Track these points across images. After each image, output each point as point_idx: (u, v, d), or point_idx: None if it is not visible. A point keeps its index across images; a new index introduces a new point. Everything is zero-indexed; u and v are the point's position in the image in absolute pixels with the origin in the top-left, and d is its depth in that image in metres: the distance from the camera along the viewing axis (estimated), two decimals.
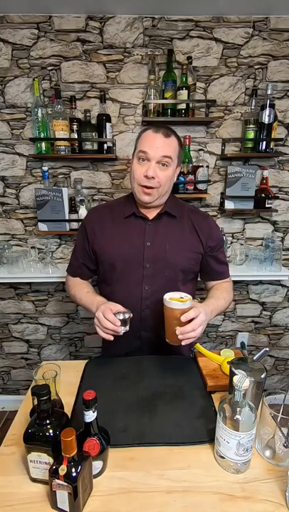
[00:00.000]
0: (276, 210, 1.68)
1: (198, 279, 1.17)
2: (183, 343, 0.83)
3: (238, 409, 0.63)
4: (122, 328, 0.87)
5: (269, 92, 1.47)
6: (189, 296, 0.87)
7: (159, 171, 0.93)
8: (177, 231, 1.04)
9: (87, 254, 1.08)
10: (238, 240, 1.82)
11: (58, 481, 0.54)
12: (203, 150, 1.63)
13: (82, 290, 1.08)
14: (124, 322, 0.87)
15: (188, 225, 1.05)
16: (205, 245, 1.05)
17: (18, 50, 1.51)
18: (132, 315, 0.89)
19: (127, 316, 0.88)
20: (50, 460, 0.60)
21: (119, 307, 0.90)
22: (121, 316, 0.87)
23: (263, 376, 0.75)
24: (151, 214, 1.04)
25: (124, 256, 1.00)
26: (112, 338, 0.88)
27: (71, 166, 1.67)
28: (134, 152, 0.99)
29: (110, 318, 0.85)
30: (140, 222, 1.03)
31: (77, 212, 1.61)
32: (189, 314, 0.81)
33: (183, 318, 0.81)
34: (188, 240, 1.04)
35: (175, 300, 0.85)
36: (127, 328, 0.89)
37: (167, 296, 0.86)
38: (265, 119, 1.49)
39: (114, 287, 1.04)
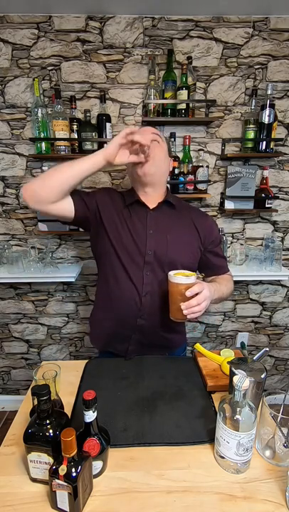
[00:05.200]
0: (276, 210, 1.68)
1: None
2: (188, 317, 0.85)
3: (238, 409, 0.63)
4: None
5: (269, 92, 1.47)
6: (193, 272, 0.88)
7: (153, 147, 0.99)
8: (177, 224, 1.06)
9: (86, 204, 1.02)
10: (238, 239, 1.82)
11: (58, 481, 0.54)
12: (203, 150, 1.63)
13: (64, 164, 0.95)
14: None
15: (188, 221, 1.08)
16: (204, 241, 1.08)
17: (18, 50, 1.51)
18: None
19: None
20: (50, 460, 0.60)
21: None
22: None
23: (263, 376, 0.75)
24: (152, 203, 1.06)
25: (129, 241, 1.01)
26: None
27: None
28: None
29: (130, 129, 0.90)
30: (142, 209, 1.05)
31: None
32: (194, 289, 0.83)
33: (188, 293, 0.83)
34: (188, 235, 1.07)
35: (180, 275, 0.86)
36: None
37: (172, 272, 0.88)
38: (265, 119, 1.50)
39: (117, 271, 1.03)
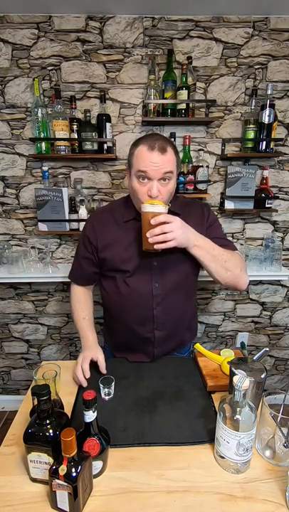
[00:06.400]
0: (276, 210, 1.68)
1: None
2: (155, 247, 0.84)
3: (238, 409, 0.63)
4: (106, 397, 0.85)
5: (269, 92, 1.47)
6: (161, 202, 0.86)
7: (162, 187, 0.90)
8: None
9: (93, 262, 1.07)
10: (238, 240, 1.82)
11: (58, 481, 0.54)
12: (203, 150, 1.63)
13: (80, 313, 1.11)
14: (108, 391, 0.86)
15: (188, 218, 1.04)
16: (206, 228, 1.04)
17: (18, 50, 1.51)
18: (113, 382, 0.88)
19: (111, 389, 0.86)
20: (50, 460, 0.60)
21: (100, 359, 0.93)
22: (106, 389, 0.85)
23: (263, 376, 0.75)
24: None
25: (133, 257, 1.00)
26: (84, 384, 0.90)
27: (71, 166, 1.67)
28: (131, 170, 0.94)
29: (84, 368, 0.89)
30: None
31: (77, 212, 1.61)
32: (160, 218, 0.82)
33: (152, 221, 0.82)
34: None
35: (148, 203, 0.84)
36: (111, 395, 0.86)
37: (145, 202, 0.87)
38: (265, 119, 1.49)
39: (125, 287, 1.03)
